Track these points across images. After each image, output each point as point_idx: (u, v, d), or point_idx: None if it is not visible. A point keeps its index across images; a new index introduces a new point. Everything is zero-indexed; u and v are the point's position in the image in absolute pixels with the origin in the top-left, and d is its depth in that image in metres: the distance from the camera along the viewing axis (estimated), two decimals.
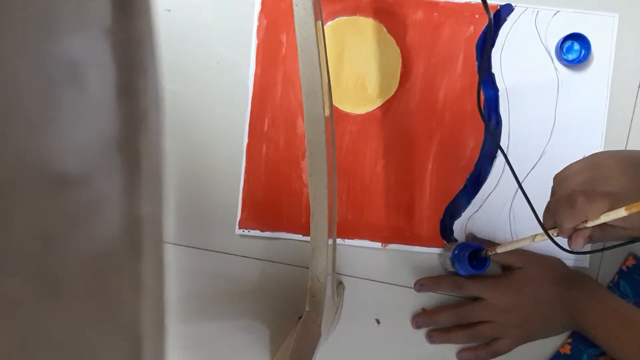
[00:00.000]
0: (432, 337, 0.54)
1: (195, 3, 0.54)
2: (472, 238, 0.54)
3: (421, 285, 0.54)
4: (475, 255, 0.50)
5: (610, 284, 0.54)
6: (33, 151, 0.11)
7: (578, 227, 0.40)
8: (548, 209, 0.44)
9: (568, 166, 0.44)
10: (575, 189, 0.41)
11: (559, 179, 0.44)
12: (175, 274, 0.55)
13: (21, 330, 0.11)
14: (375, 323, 0.55)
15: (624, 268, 0.54)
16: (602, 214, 0.39)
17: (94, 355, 0.13)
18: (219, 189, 0.55)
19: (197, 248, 0.55)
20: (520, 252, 0.52)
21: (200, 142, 0.55)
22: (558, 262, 0.53)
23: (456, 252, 0.51)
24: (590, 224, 0.40)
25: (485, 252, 0.50)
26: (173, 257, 0.55)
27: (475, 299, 0.53)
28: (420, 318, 0.55)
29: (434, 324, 0.54)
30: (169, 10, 0.54)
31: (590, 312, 0.49)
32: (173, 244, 0.55)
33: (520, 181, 0.54)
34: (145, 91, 0.14)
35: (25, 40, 0.10)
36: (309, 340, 0.44)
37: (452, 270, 0.53)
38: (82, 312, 0.12)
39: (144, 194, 0.14)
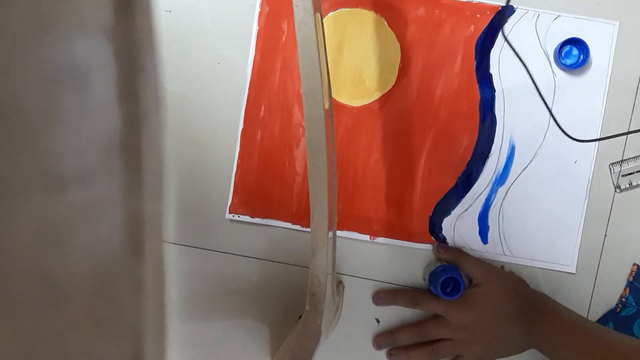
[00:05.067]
0: (392, 356, 0.54)
1: (196, 4, 0.54)
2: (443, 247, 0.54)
3: (379, 298, 0.55)
4: (451, 281, 0.51)
5: (623, 299, 0.54)
6: (34, 152, 0.11)
7: None
8: None
9: None
10: None
11: None
12: (176, 274, 0.55)
13: (22, 330, 0.11)
14: (375, 322, 0.56)
15: (630, 278, 0.54)
16: None
17: (94, 354, 0.13)
18: (220, 189, 0.55)
19: (197, 247, 0.55)
20: (482, 268, 0.52)
21: (201, 142, 0.55)
22: (519, 280, 0.53)
23: (435, 272, 0.52)
24: None
25: None
26: (173, 257, 0.55)
27: (436, 315, 0.53)
28: (381, 338, 0.55)
29: (395, 342, 0.54)
30: (170, 11, 0.54)
31: (548, 332, 0.49)
32: (173, 243, 0.55)
33: (511, 182, 0.54)
34: (146, 92, 0.14)
35: (26, 41, 0.10)
36: (309, 340, 0.44)
37: (427, 284, 0.53)
38: (82, 312, 0.13)
39: (144, 193, 0.14)
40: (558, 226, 0.54)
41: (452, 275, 0.50)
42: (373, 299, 0.55)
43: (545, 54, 0.53)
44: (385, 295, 0.54)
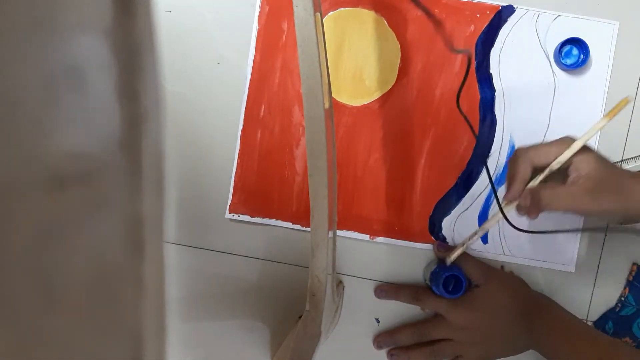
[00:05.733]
0: (392, 356, 0.54)
1: (196, 4, 0.54)
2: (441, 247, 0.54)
3: (381, 291, 0.55)
4: (452, 279, 0.51)
5: (622, 298, 0.54)
6: (34, 152, 0.11)
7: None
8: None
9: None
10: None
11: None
12: (176, 274, 0.55)
13: (21, 330, 0.11)
14: (376, 322, 0.56)
15: (630, 278, 0.54)
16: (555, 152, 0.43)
17: (94, 355, 0.13)
18: (220, 188, 0.55)
19: (197, 247, 0.55)
20: (482, 270, 0.52)
21: (201, 142, 0.55)
22: (520, 281, 0.53)
23: (436, 271, 0.52)
24: (560, 159, 0.42)
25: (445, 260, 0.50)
26: (173, 257, 0.55)
27: (436, 315, 0.53)
28: (381, 338, 0.55)
29: (395, 342, 0.54)
30: (170, 11, 0.54)
31: (549, 333, 0.49)
32: (174, 243, 0.55)
33: None
34: (146, 92, 0.14)
35: (26, 41, 0.10)
36: (309, 340, 0.44)
37: (428, 284, 0.53)
38: (83, 312, 0.13)
39: (145, 193, 0.14)
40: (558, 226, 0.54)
41: (453, 273, 0.50)
42: (375, 291, 0.55)
43: (545, 54, 0.53)
44: (387, 289, 0.54)
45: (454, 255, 0.50)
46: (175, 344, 0.55)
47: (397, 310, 0.55)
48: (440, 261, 0.54)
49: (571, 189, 0.43)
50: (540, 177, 0.43)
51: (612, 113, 0.38)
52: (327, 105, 0.36)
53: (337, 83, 0.54)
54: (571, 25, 0.53)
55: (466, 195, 0.54)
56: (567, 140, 0.44)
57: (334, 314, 0.52)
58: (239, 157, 0.55)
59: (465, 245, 0.50)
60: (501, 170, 0.54)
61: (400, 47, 0.54)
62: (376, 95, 0.54)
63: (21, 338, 0.11)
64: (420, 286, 0.54)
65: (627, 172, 0.45)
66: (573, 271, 0.54)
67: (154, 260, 0.14)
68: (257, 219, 0.55)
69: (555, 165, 0.42)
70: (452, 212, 0.54)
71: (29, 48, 0.10)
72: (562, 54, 0.53)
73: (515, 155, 0.45)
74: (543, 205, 0.43)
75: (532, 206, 0.44)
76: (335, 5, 0.53)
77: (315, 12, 0.32)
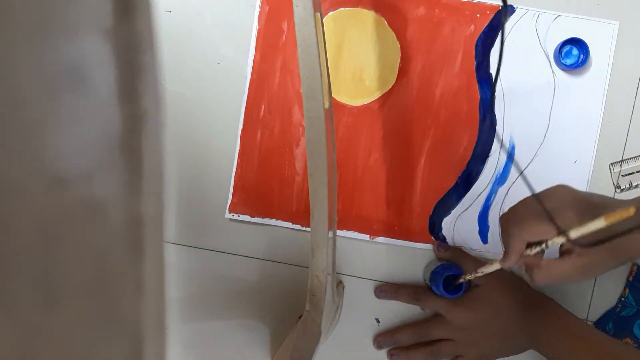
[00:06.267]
0: (392, 356, 0.54)
1: (196, 4, 0.54)
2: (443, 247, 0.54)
3: (381, 291, 0.55)
4: (452, 279, 0.51)
5: (622, 298, 0.54)
6: (34, 152, 0.11)
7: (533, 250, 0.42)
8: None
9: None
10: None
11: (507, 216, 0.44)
12: (176, 274, 0.55)
13: (21, 330, 0.11)
14: (376, 322, 0.56)
15: (630, 278, 0.54)
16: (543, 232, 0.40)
17: (94, 354, 0.13)
18: (220, 188, 0.55)
19: (197, 247, 0.55)
20: None
21: (201, 142, 0.55)
22: (520, 281, 0.53)
23: (436, 271, 0.52)
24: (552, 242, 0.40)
25: (463, 277, 0.50)
26: (174, 257, 0.55)
27: (436, 315, 0.53)
28: (381, 338, 0.55)
29: (395, 342, 0.54)
30: (170, 11, 0.54)
31: (548, 333, 0.49)
32: (173, 243, 0.55)
33: (511, 182, 0.54)
34: (146, 91, 0.14)
35: (26, 41, 0.10)
36: (309, 340, 0.44)
37: (428, 284, 0.53)
38: (82, 312, 0.13)
39: (144, 193, 0.14)
40: None
41: (453, 273, 0.50)
42: (375, 291, 0.55)
43: (545, 54, 0.53)
44: (387, 289, 0.54)
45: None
46: (175, 343, 0.55)
47: (397, 310, 0.55)
48: (440, 262, 0.54)
49: (564, 268, 0.41)
50: (535, 251, 0.42)
51: (612, 218, 0.36)
52: (327, 105, 0.36)
53: (337, 83, 0.54)
54: (571, 25, 0.53)
55: (466, 195, 0.54)
56: (563, 212, 0.41)
57: (334, 314, 0.52)
58: (239, 157, 0.55)
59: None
60: (501, 170, 0.54)
61: (400, 47, 0.54)
62: (376, 95, 0.54)
63: (21, 338, 0.11)
64: (420, 286, 0.54)
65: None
66: None
67: (154, 260, 0.14)
68: (257, 219, 0.55)
69: (551, 245, 0.41)
70: (452, 212, 0.54)
71: (29, 48, 0.10)
72: (562, 54, 0.53)
73: (508, 228, 0.43)
74: (536, 282, 0.43)
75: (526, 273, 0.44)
76: (335, 5, 0.54)
77: (315, 12, 0.32)
